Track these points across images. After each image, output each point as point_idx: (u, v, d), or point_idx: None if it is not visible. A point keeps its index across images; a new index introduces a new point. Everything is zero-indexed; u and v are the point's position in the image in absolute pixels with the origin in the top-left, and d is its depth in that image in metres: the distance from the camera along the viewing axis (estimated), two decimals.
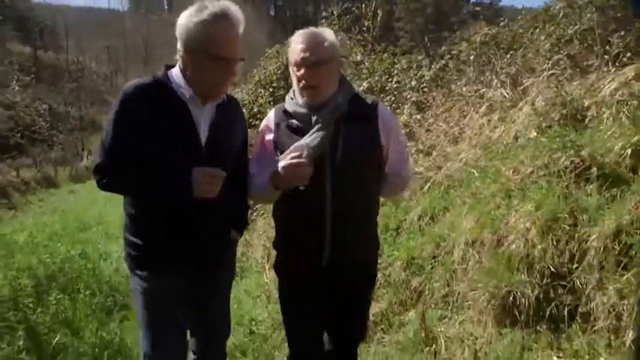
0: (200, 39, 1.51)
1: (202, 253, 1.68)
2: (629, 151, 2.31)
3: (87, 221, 8.35)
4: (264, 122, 1.85)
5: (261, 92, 6.33)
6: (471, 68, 3.97)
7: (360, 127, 1.73)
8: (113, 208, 9.80)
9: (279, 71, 6.05)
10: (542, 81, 3.25)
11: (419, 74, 4.44)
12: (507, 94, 3.54)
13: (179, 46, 1.57)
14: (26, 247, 6.51)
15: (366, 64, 5.27)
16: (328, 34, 1.76)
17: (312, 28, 1.78)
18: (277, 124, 1.77)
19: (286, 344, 1.92)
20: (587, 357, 2.01)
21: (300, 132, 1.69)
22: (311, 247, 1.71)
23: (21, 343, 2.90)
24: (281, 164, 1.59)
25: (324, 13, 6.09)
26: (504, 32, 3.94)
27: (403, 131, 2.31)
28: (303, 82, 1.68)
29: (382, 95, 4.53)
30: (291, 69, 1.75)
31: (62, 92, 28.74)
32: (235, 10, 1.56)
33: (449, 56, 4.22)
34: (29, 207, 12.10)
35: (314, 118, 1.68)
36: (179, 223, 1.60)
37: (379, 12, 6.09)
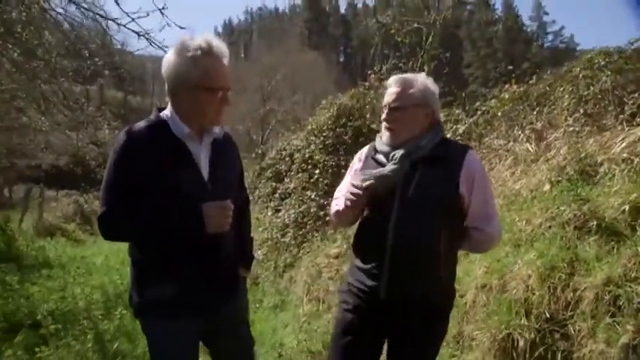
0: (193, 74, 1.51)
1: (210, 298, 1.63)
2: (627, 207, 2.45)
3: None
4: (357, 155, 1.99)
5: (312, 140, 6.87)
6: (501, 123, 4.20)
7: (439, 170, 1.73)
8: None
9: (330, 122, 6.58)
10: (562, 137, 3.43)
11: (454, 127, 4.73)
12: (532, 148, 3.73)
13: (168, 86, 1.58)
14: (101, 268, 7.41)
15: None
16: (420, 81, 1.81)
17: (407, 74, 1.86)
18: (366, 157, 1.91)
19: None
20: None
21: (382, 166, 1.79)
22: (370, 277, 1.74)
23: (90, 345, 3.47)
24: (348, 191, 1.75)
25: (374, 68, 6.61)
26: (533, 89, 4.15)
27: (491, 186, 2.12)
28: (384, 124, 1.83)
29: None
30: None
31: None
32: (218, 42, 1.58)
33: (480, 112, 4.49)
34: None
35: (393, 155, 1.76)
36: (187, 267, 1.55)
37: (425, 67, 6.47)
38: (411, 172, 1.72)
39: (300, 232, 6.24)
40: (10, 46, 5.65)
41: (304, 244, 6.31)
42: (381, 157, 1.83)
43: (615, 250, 2.38)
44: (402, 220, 1.70)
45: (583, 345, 2.23)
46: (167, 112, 1.60)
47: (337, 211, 1.88)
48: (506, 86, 4.47)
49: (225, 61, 1.59)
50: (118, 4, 4.66)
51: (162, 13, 4.43)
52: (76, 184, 16.70)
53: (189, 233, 1.49)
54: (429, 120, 1.79)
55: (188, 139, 1.57)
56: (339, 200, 1.88)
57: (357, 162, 1.96)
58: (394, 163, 1.74)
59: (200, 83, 1.52)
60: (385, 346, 1.87)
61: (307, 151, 7.00)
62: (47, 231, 11.02)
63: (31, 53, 5.83)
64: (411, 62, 6.43)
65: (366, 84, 6.60)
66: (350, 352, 1.80)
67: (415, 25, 6.59)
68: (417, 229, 1.70)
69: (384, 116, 1.82)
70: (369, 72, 6.82)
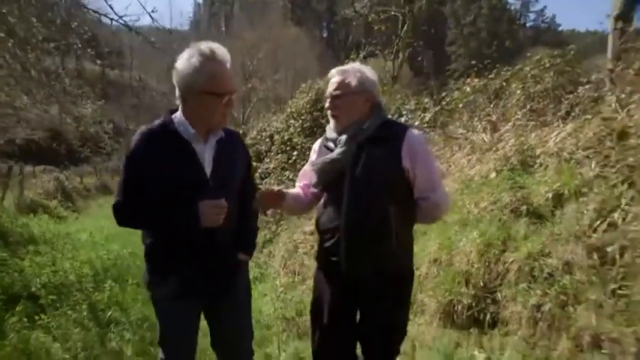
0: (199, 80, 1.64)
1: (209, 282, 1.78)
2: (550, 195, 2.89)
3: None
4: (313, 146, 2.12)
5: (292, 122, 7.18)
6: (463, 113, 4.60)
7: (382, 150, 1.82)
8: None
9: (309, 105, 6.87)
10: (511, 129, 3.86)
11: (422, 115, 5.11)
12: (487, 138, 4.15)
13: (178, 92, 1.71)
14: (87, 244, 7.67)
15: (383, 101, 6.00)
16: (356, 70, 1.91)
17: (346, 65, 1.98)
18: (319, 147, 2.04)
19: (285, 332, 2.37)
20: (497, 351, 2.60)
21: (332, 151, 1.91)
22: (331, 251, 1.89)
23: (85, 314, 3.81)
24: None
25: (351, 56, 6.91)
26: (492, 83, 4.55)
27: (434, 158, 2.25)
28: (329, 112, 1.94)
29: None
30: None
31: (123, 108, 31.21)
32: (222, 50, 1.71)
33: (445, 102, 4.87)
34: (89, 210, 13.61)
35: (340, 139, 1.88)
36: (188, 252, 1.73)
37: (400, 54, 6.79)
38: (358, 153, 1.83)
39: (279, 211, 6.61)
40: None
41: (282, 222, 6.69)
42: (330, 144, 1.94)
43: (538, 231, 2.84)
44: (353, 199, 1.81)
45: (506, 308, 2.71)
46: (177, 115, 1.74)
47: (298, 199, 2.03)
48: (469, 79, 4.86)
49: (228, 65, 1.71)
50: None
51: None
52: (55, 160, 16.62)
53: (186, 227, 1.67)
54: (368, 104, 1.89)
55: (194, 139, 1.71)
56: (293, 190, 2.04)
57: (312, 154, 2.07)
58: (341, 147, 1.86)
59: (205, 89, 1.65)
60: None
61: (287, 133, 7.31)
62: (29, 208, 11.09)
63: (12, 31, 5.83)
64: (387, 50, 6.72)
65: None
66: (329, 323, 1.95)
67: (392, 13, 6.87)
68: (366, 205, 1.80)
69: (327, 104, 1.92)
70: (346, 60, 7.11)
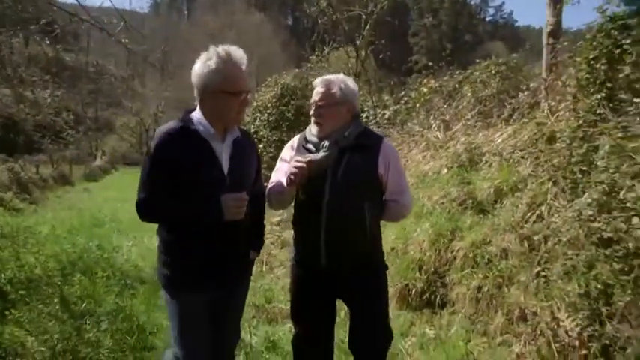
0: (216, 81, 1.73)
1: (226, 275, 1.87)
2: (492, 190, 3.28)
3: (101, 218, 9.13)
4: (289, 143, 2.19)
5: (258, 116, 7.35)
6: (420, 112, 4.95)
7: (362, 156, 1.98)
8: (124, 207, 10.83)
9: (274, 99, 7.06)
10: (462, 129, 4.24)
11: (382, 113, 5.44)
12: (441, 136, 4.52)
13: (196, 92, 1.80)
14: (50, 237, 7.54)
15: None
16: (341, 80, 2.04)
17: (331, 76, 2.08)
18: (298, 146, 2.11)
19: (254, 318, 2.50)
20: (445, 328, 2.98)
21: (312, 153, 2.00)
22: (311, 250, 1.99)
23: (57, 307, 3.89)
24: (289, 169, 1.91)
25: (316, 53, 7.10)
26: (446, 85, 4.93)
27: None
28: (312, 118, 2.03)
29: None
30: None
31: (80, 93, 29.95)
32: (237, 52, 1.79)
33: (403, 101, 5.21)
34: (47, 202, 13.18)
35: (321, 144, 1.99)
36: (207, 248, 1.79)
37: (362, 52, 7.08)
38: (339, 157, 1.96)
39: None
40: None
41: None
42: (310, 147, 2.04)
43: (481, 222, 3.22)
44: (334, 198, 1.93)
45: (453, 290, 3.08)
46: (196, 114, 1.82)
47: (278, 191, 2.04)
48: (425, 80, 5.21)
49: (244, 67, 1.79)
50: None
51: None
52: (9, 150, 15.88)
53: (210, 220, 1.73)
54: (350, 114, 2.04)
55: (212, 138, 1.79)
56: (276, 182, 2.06)
57: (289, 150, 2.14)
58: (324, 151, 1.97)
59: (221, 88, 1.74)
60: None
61: (252, 126, 7.47)
62: None
63: None
64: (349, 47, 6.98)
65: (309, 64, 7.11)
66: (310, 314, 2.09)
67: (356, 12, 7.12)
68: (345, 204, 1.94)
69: (312, 112, 2.03)
70: (310, 57, 7.33)
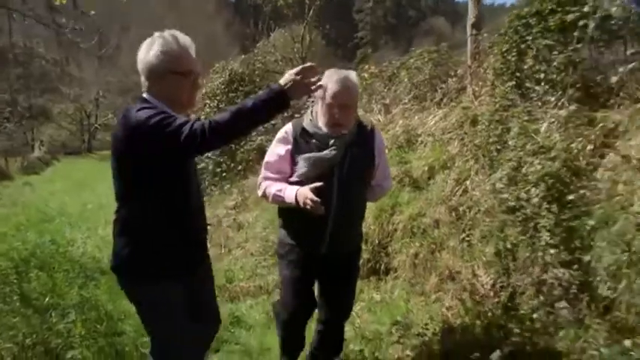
0: (163, 62, 1.67)
1: (198, 259, 1.91)
2: (426, 168, 3.71)
3: (49, 213, 8.80)
4: (281, 133, 2.13)
5: (207, 102, 7.40)
6: (363, 96, 5.30)
7: (361, 149, 2.08)
8: (72, 199, 10.54)
9: (223, 86, 7.13)
10: (400, 112, 4.64)
11: None
12: (382, 119, 4.90)
13: (144, 78, 1.72)
14: None
15: None
16: (354, 78, 2.07)
17: (344, 72, 2.06)
18: (295, 138, 2.08)
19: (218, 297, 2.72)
20: (389, 292, 3.41)
21: (317, 150, 2.03)
22: (315, 239, 2.09)
23: (18, 304, 3.94)
24: (306, 194, 1.90)
25: (264, 38, 7.22)
26: (386, 70, 5.29)
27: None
28: (334, 120, 2.00)
29: (301, 112, 5.77)
30: (321, 102, 2.04)
31: (8, 79, 27.78)
32: (183, 36, 1.74)
33: None
34: None
35: (331, 141, 2.02)
36: (185, 236, 1.77)
37: (307, 36, 7.28)
38: (344, 154, 2.04)
39: (200, 188, 6.96)
40: None
41: (204, 198, 7.03)
42: (314, 141, 2.04)
43: (417, 197, 3.65)
44: (342, 192, 2.02)
45: (395, 258, 3.51)
46: (150, 99, 1.70)
47: (282, 201, 2.04)
48: (366, 66, 5.55)
49: (191, 50, 1.73)
50: None
51: None
52: None
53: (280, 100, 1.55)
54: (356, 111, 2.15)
55: None
56: (279, 190, 2.04)
57: (284, 143, 2.10)
58: (334, 149, 2.02)
59: (169, 69, 1.67)
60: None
61: (203, 112, 7.52)
62: None
63: None
64: (294, 30, 7.15)
65: (255, 50, 7.21)
66: (303, 293, 2.25)
67: None
68: (352, 197, 2.05)
69: (338, 115, 1.98)
70: (258, 43, 7.43)
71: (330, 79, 2.01)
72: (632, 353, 2.02)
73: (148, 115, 1.56)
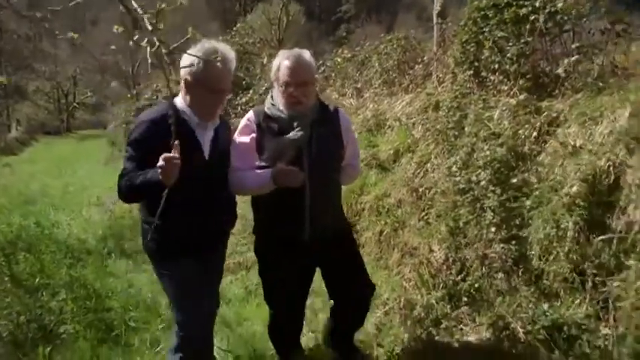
0: (199, 75, 1.82)
1: (211, 245, 2.07)
2: (392, 151, 3.98)
3: (31, 195, 8.84)
4: (244, 122, 2.10)
5: None
6: (336, 79, 5.50)
7: (327, 128, 2.06)
8: (54, 181, 10.56)
9: None
10: (371, 96, 4.87)
11: None
12: (354, 102, 5.12)
13: (183, 77, 1.86)
14: None
15: (269, 65, 6.64)
16: (308, 56, 2.06)
17: (296, 50, 2.07)
18: (258, 125, 2.06)
19: None
20: None
21: (281, 134, 2.01)
22: (295, 224, 2.04)
23: (9, 285, 4.14)
24: (281, 168, 1.92)
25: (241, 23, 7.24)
26: (358, 55, 5.48)
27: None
28: (292, 98, 1.98)
29: None
30: (276, 84, 2.06)
31: None
32: (229, 51, 1.88)
33: (321, 70, 5.70)
34: None
35: (295, 123, 2.00)
36: (197, 222, 1.93)
37: (284, 19, 7.36)
38: (310, 133, 2.02)
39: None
40: None
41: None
42: (277, 125, 2.03)
43: (383, 178, 3.93)
44: (314, 171, 1.99)
45: (363, 235, 3.81)
46: (179, 101, 1.93)
47: (259, 186, 2.01)
48: (339, 51, 5.72)
49: (231, 65, 1.89)
50: None
51: None
52: None
53: (155, 180, 1.71)
54: (316, 89, 2.17)
55: (197, 126, 1.93)
56: (252, 175, 2.01)
57: (248, 132, 2.08)
58: (299, 130, 2.00)
59: (205, 84, 1.84)
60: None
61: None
62: None
63: None
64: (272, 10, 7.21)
65: (232, 32, 7.27)
66: (292, 285, 2.22)
67: None
68: (325, 179, 2.05)
69: (295, 92, 1.97)
70: (236, 26, 7.46)
71: (282, 59, 2.04)
72: (549, 313, 2.38)
73: (134, 132, 1.89)
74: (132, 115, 8.85)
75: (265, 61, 6.69)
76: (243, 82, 6.30)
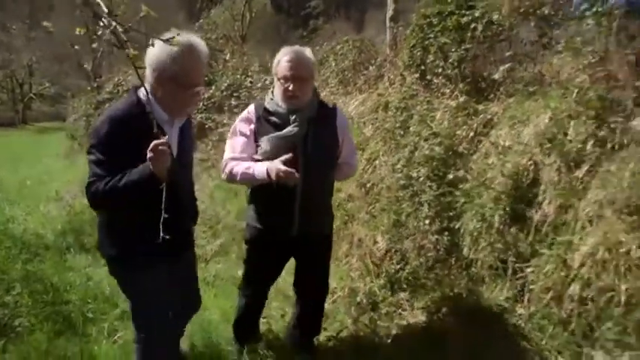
0: (170, 70, 1.68)
1: (179, 247, 1.97)
2: None
3: None
4: (244, 114, 2.15)
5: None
6: None
7: (324, 127, 2.09)
8: (10, 175, 10.22)
9: None
10: (327, 95, 5.07)
11: (264, 78, 6.04)
12: None
13: (150, 74, 1.72)
14: None
15: (233, 62, 6.73)
16: (309, 53, 2.11)
17: (297, 47, 2.10)
18: (258, 118, 2.09)
19: None
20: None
21: (279, 128, 2.03)
22: (284, 220, 2.09)
23: None
24: (277, 167, 1.92)
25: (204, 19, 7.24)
26: (317, 54, 5.66)
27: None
28: (289, 92, 2.01)
29: (239, 92, 6.05)
30: (276, 79, 2.09)
31: None
32: (201, 44, 1.75)
33: None
34: None
35: (292, 117, 2.02)
36: (164, 224, 1.68)
37: (247, 15, 7.44)
38: (306, 130, 2.05)
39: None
40: None
41: None
42: (275, 119, 2.06)
43: None
44: (308, 168, 2.01)
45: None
46: (144, 95, 1.71)
47: (251, 178, 2.04)
48: None
49: (204, 61, 1.76)
50: None
51: None
52: None
53: (146, 177, 1.63)
54: (314, 87, 2.16)
55: (166, 123, 1.81)
56: (247, 167, 2.05)
57: (247, 123, 2.13)
58: (295, 125, 2.03)
59: (177, 79, 1.70)
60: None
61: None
62: None
63: None
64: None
65: (195, 28, 7.28)
66: (271, 274, 2.36)
67: None
68: (319, 176, 2.07)
69: (291, 87, 2.01)
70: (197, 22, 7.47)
71: (283, 54, 2.09)
72: (475, 297, 2.67)
73: (97, 134, 1.70)
74: (92, 109, 8.69)
75: (228, 57, 6.76)
76: (206, 78, 6.36)
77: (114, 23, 1.37)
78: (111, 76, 8.89)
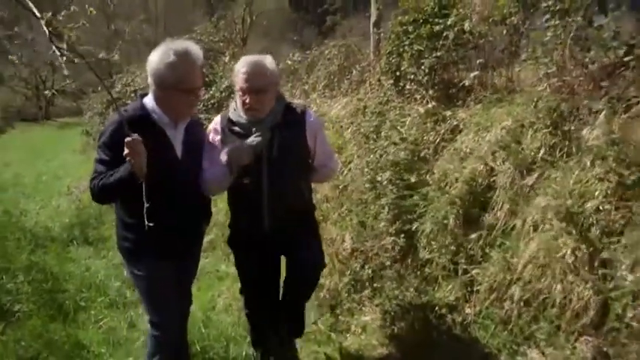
0: (170, 77, 1.83)
1: (185, 247, 2.10)
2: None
3: (3, 183, 9.11)
4: (212, 125, 2.19)
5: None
6: (286, 82, 5.87)
7: (291, 132, 2.09)
8: (28, 170, 10.76)
9: None
10: (316, 98, 5.26)
11: None
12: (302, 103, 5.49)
13: (150, 81, 1.90)
14: None
15: (232, 64, 6.96)
16: (269, 62, 2.09)
17: (256, 57, 2.10)
18: (223, 129, 2.13)
19: None
20: None
21: (243, 138, 2.07)
22: (254, 220, 2.15)
23: None
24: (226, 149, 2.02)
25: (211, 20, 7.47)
26: (305, 61, 5.86)
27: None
28: (246, 105, 2.03)
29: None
30: (236, 91, 2.11)
31: None
32: (195, 49, 1.88)
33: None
34: None
35: (254, 129, 2.05)
36: (168, 224, 1.92)
37: (247, 18, 7.65)
38: (271, 136, 2.06)
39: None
40: None
41: None
42: (238, 129, 2.09)
43: None
44: (272, 177, 2.07)
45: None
46: (149, 101, 1.95)
47: (220, 180, 2.09)
48: (290, 54, 6.08)
49: (199, 64, 1.91)
50: None
51: None
52: None
53: (127, 175, 1.80)
54: (277, 93, 2.16)
55: (167, 126, 1.96)
56: (214, 171, 2.07)
57: (214, 134, 2.17)
58: (257, 135, 2.05)
59: (175, 86, 1.86)
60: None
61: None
62: None
63: None
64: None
65: (196, 30, 7.53)
66: (261, 272, 2.34)
67: None
68: (283, 181, 2.09)
69: (248, 100, 2.02)
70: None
71: (241, 65, 2.08)
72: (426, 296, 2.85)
73: (103, 135, 1.92)
74: (103, 108, 9.07)
75: (227, 59, 6.98)
76: (207, 79, 6.61)
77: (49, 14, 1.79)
78: (120, 76, 9.23)
